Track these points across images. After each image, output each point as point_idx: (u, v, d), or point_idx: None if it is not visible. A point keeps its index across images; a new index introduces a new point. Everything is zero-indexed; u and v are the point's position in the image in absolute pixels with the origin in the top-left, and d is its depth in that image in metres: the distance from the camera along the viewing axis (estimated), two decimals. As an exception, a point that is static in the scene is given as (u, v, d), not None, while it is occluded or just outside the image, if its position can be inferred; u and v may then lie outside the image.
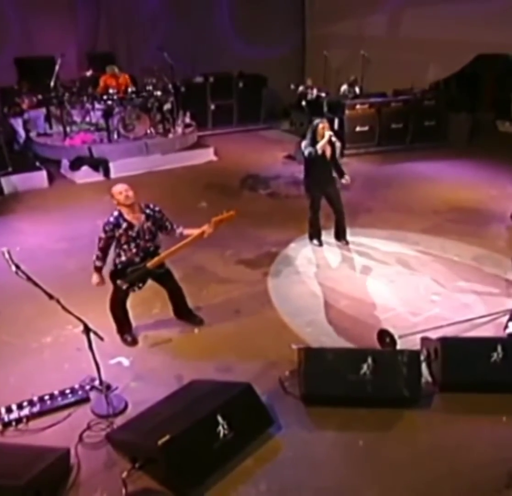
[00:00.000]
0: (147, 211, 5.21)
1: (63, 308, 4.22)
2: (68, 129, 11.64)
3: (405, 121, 12.48)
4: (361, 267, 7.15)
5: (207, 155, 12.09)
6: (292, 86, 12.35)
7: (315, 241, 7.66)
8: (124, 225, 5.07)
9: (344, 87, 13.18)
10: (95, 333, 4.34)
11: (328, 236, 7.76)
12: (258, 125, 14.95)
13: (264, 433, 4.35)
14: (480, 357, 4.72)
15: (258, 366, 5.19)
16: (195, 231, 5.20)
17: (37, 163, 10.82)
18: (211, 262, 7.25)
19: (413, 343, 5.22)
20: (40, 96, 12.13)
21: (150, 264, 5.24)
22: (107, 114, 11.32)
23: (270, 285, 6.71)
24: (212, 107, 14.35)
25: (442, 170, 11.01)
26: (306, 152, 7.09)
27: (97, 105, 11.57)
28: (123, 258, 5.22)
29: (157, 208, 5.29)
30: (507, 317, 5.63)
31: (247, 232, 8.05)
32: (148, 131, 11.69)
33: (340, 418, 4.58)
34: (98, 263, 5.21)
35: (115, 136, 11.45)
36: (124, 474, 3.93)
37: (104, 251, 5.16)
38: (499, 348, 4.72)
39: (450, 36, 12.43)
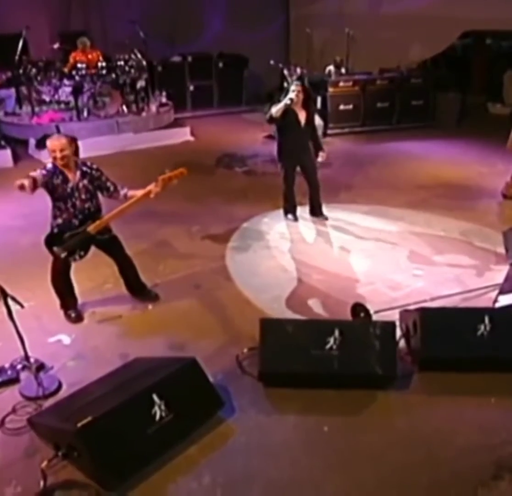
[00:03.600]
0: (84, 168, 4.70)
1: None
2: (36, 108, 10.98)
3: (391, 100, 11.81)
4: (337, 241, 6.56)
5: (183, 134, 11.42)
6: (272, 62, 11.73)
7: (290, 216, 7.06)
8: (60, 177, 4.54)
9: (330, 68, 12.56)
10: (14, 299, 3.73)
11: (305, 212, 7.16)
12: (240, 107, 14.25)
13: (213, 417, 3.75)
14: (465, 330, 4.13)
15: (215, 343, 4.63)
16: (140, 192, 4.68)
17: (2, 142, 10.21)
18: (176, 237, 6.71)
19: (392, 319, 4.60)
20: (9, 74, 11.46)
21: (91, 228, 4.66)
22: (77, 91, 10.65)
23: (236, 260, 6.13)
24: (191, 88, 13.67)
25: (430, 149, 10.40)
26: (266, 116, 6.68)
27: (66, 81, 10.89)
28: (59, 220, 4.67)
29: (94, 166, 4.79)
30: (496, 292, 5.07)
31: (218, 208, 7.57)
32: (120, 109, 11.04)
33: (303, 401, 3.99)
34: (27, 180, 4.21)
35: (85, 114, 10.79)
36: (44, 464, 3.36)
37: (35, 182, 4.28)
38: (487, 320, 4.12)
39: (435, 12, 11.83)
